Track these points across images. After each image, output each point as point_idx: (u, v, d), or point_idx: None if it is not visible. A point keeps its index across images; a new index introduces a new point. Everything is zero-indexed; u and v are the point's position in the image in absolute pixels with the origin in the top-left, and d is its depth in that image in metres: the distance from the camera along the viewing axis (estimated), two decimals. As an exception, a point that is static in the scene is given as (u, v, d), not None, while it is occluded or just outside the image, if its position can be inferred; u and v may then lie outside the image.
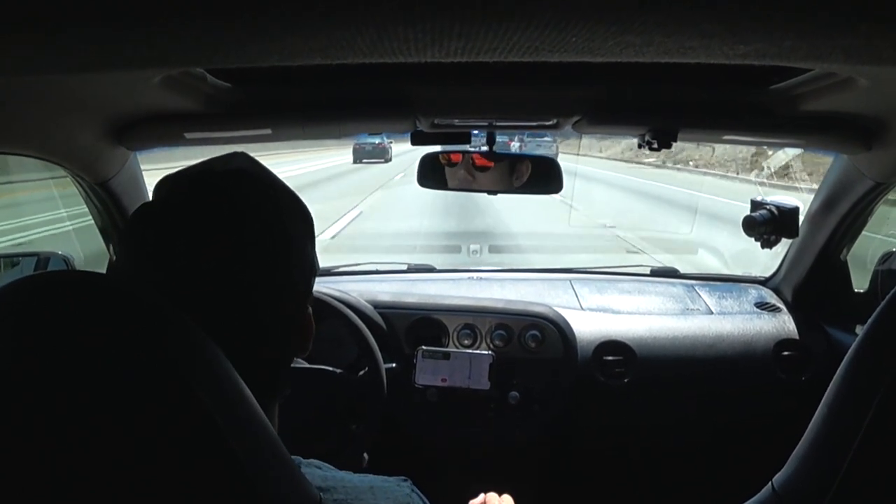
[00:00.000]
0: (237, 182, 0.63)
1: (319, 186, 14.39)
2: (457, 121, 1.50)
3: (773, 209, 1.73)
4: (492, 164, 1.65)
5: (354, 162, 22.16)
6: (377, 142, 21.63)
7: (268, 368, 0.64)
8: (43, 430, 0.39)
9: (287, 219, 0.64)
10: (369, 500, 0.61)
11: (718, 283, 2.18)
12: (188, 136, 1.33)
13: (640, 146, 1.45)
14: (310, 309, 0.69)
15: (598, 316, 1.93)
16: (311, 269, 0.68)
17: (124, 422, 0.40)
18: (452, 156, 1.67)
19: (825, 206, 1.75)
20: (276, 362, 0.65)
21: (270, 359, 0.64)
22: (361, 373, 1.65)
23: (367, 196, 13.07)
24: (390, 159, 22.57)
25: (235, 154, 0.68)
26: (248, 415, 0.46)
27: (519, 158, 1.69)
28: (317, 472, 0.62)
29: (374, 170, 19.60)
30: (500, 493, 1.20)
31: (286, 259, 0.63)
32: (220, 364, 0.46)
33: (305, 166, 19.55)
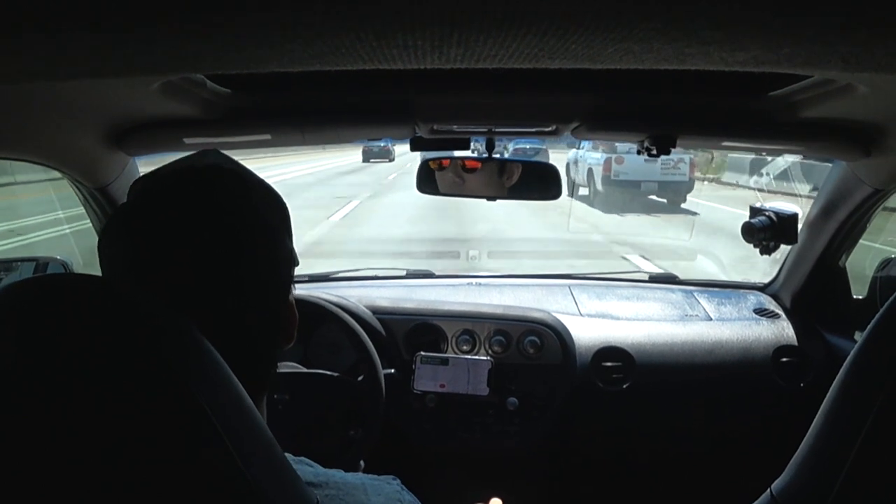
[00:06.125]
0: (215, 178, 0.63)
1: (357, 173, 19.53)
2: (456, 127, 1.50)
3: (772, 215, 1.73)
4: (478, 165, 1.65)
5: (364, 161, 26.54)
6: (382, 144, 25.75)
7: (256, 362, 0.64)
8: (41, 431, 0.39)
9: (265, 212, 0.65)
10: (360, 497, 0.61)
11: (717, 290, 2.18)
12: (187, 141, 1.33)
13: (638, 152, 1.46)
14: (292, 298, 0.69)
15: (596, 322, 1.93)
16: (291, 260, 0.68)
17: (122, 422, 0.40)
18: (443, 161, 1.68)
19: (824, 212, 1.75)
20: (263, 355, 0.66)
21: (258, 352, 0.64)
22: (360, 378, 1.64)
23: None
24: (393, 159, 26.63)
25: (208, 152, 0.68)
26: (246, 415, 0.46)
27: (507, 161, 1.68)
28: (307, 469, 0.62)
29: (382, 166, 24.46)
30: (499, 499, 1.20)
31: (268, 252, 0.64)
32: (216, 364, 0.46)
33: (333, 161, 25.41)
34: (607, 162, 12.02)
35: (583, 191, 13.51)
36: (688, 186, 11.96)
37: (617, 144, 11.63)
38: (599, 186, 12.54)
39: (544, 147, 17.62)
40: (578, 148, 13.74)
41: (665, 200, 11.93)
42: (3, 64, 0.60)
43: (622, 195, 11.77)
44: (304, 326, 1.90)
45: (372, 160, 26.51)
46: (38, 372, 0.40)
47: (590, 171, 12.94)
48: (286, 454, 0.55)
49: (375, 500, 0.62)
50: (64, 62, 0.61)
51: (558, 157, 15.85)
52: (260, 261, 0.62)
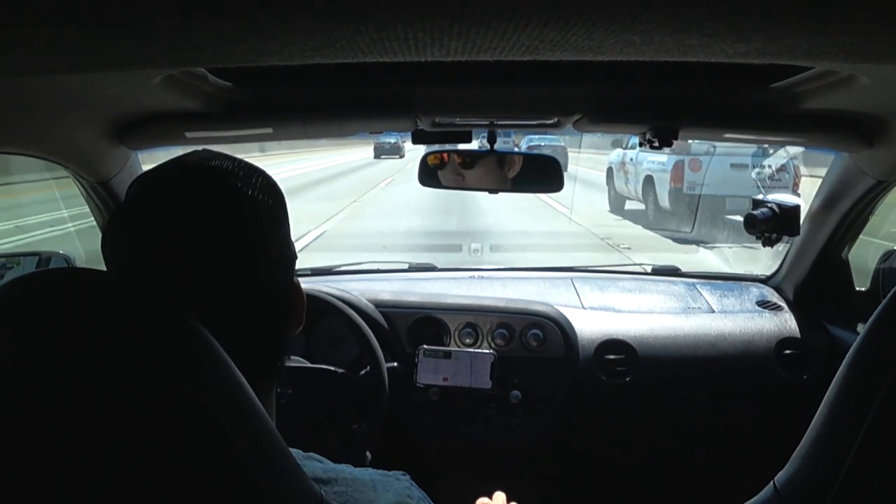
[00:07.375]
0: (210, 172, 0.63)
1: (376, 165, 23.44)
2: (458, 119, 1.50)
3: (775, 207, 1.72)
4: (475, 158, 1.65)
5: (375, 157, 28.12)
6: (393, 141, 27.59)
7: (260, 355, 0.64)
8: (44, 428, 0.39)
9: (264, 200, 0.64)
10: (370, 493, 0.61)
11: (720, 282, 2.18)
12: (189, 135, 1.33)
13: (640, 144, 1.45)
14: (297, 280, 0.69)
15: (599, 315, 1.93)
16: (291, 247, 0.69)
17: (125, 418, 0.40)
18: (443, 155, 1.68)
19: (826, 204, 1.74)
20: (268, 347, 0.66)
21: (261, 343, 0.64)
22: (363, 372, 1.65)
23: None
24: (403, 155, 27.64)
25: (203, 150, 0.69)
26: (249, 409, 0.46)
27: (506, 153, 1.67)
28: (317, 465, 0.62)
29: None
30: (503, 493, 1.20)
31: (270, 240, 0.64)
32: (220, 358, 0.46)
33: (348, 156, 28.26)
34: (677, 168, 8.36)
35: (632, 205, 10.09)
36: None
37: (691, 144, 8.05)
38: (665, 202, 8.82)
39: (562, 144, 16.31)
40: (627, 147, 10.06)
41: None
42: (4, 58, 0.60)
43: (700, 215, 8.29)
44: (307, 320, 1.90)
45: (383, 156, 27.59)
46: (39, 371, 0.40)
47: (648, 178, 9.27)
48: (296, 450, 0.55)
49: (384, 496, 0.62)
50: (65, 56, 0.61)
51: (592, 157, 15.34)
52: (259, 247, 0.62)
